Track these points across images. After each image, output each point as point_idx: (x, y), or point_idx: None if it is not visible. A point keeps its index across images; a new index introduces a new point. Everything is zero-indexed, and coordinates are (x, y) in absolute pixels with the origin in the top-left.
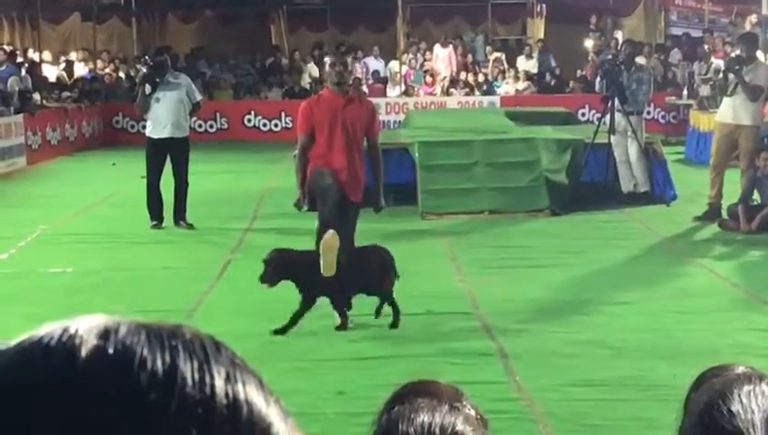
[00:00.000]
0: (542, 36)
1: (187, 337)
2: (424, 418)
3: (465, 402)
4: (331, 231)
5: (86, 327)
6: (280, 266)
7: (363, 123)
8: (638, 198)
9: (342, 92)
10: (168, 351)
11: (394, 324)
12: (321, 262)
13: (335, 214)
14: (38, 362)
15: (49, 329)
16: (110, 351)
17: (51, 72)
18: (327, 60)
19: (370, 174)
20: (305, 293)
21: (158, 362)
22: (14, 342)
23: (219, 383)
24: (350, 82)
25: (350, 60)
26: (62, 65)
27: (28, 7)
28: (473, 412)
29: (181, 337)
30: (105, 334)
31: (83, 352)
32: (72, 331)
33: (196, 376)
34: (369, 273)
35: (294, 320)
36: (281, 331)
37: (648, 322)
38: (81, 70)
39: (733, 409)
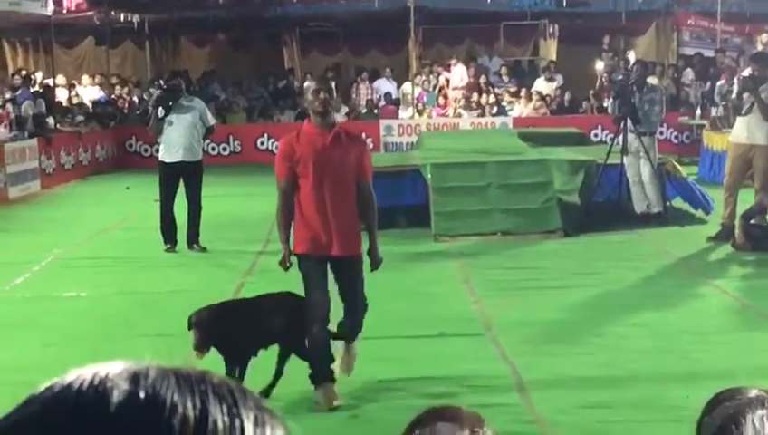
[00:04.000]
0: (554, 57)
1: (214, 382)
2: None
3: (485, 428)
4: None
5: (116, 372)
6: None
7: (355, 162)
8: (651, 219)
9: (327, 126)
10: (197, 395)
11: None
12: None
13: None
14: (70, 406)
15: (78, 373)
16: (142, 395)
17: (64, 97)
18: (308, 84)
19: (365, 222)
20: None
21: (189, 406)
22: (42, 386)
23: (249, 427)
24: (339, 110)
25: (357, 81)
26: (72, 90)
27: (42, 32)
28: None
29: (209, 382)
30: (135, 379)
31: (115, 397)
32: (103, 375)
33: (227, 420)
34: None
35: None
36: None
37: (663, 343)
38: (94, 94)
39: (745, 434)
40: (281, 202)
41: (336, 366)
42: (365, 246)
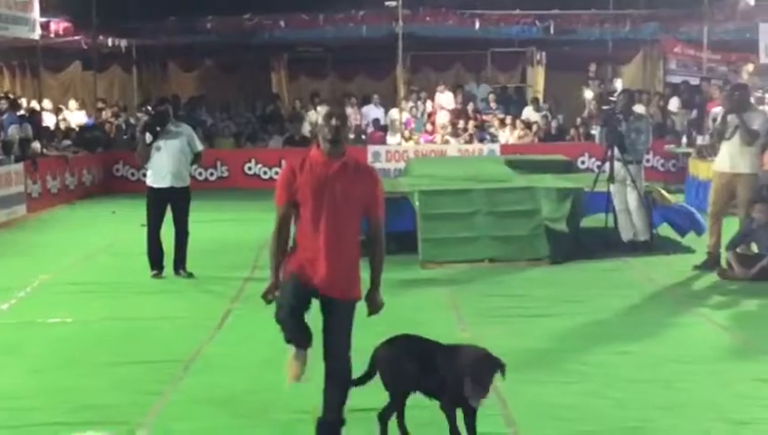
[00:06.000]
0: (541, 84)
1: None
2: None
3: None
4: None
5: None
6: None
7: (361, 196)
8: (637, 247)
9: (336, 154)
10: None
11: None
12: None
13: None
14: None
15: None
16: None
17: (51, 121)
18: (320, 109)
19: (370, 262)
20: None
21: None
22: None
23: None
24: (347, 138)
25: (345, 107)
26: (59, 114)
27: (29, 56)
28: None
29: None
30: None
31: None
32: None
33: None
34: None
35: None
36: None
37: (649, 372)
38: (81, 118)
39: None
40: (276, 230)
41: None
42: (364, 289)
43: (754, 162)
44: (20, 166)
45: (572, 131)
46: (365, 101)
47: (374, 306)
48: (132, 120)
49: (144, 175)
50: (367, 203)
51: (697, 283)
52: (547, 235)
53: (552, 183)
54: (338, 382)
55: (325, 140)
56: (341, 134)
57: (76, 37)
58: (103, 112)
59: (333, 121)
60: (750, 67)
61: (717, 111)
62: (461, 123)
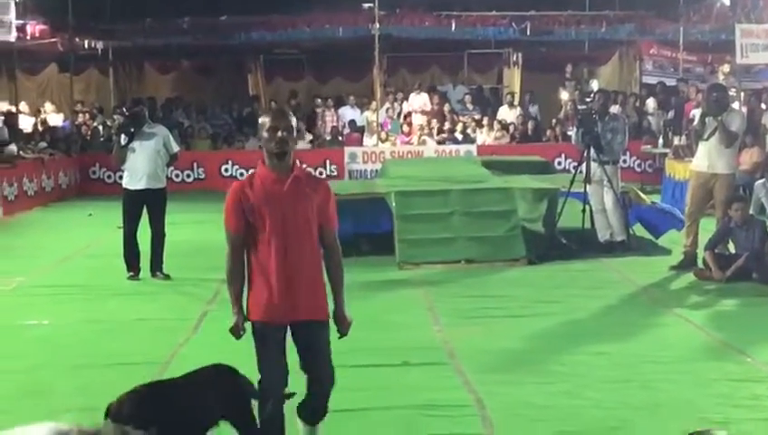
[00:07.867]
0: (518, 85)
1: None
2: None
3: None
4: None
5: None
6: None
7: (318, 210)
8: (614, 247)
9: (285, 169)
10: None
11: None
12: None
13: (280, 383)
14: None
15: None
16: None
17: (27, 123)
18: (263, 119)
19: (329, 279)
20: None
21: None
22: None
23: None
24: (303, 138)
25: (321, 109)
26: (37, 116)
27: (5, 58)
28: None
29: None
30: None
31: None
32: None
33: None
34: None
35: None
36: None
37: (626, 372)
38: (57, 120)
39: None
40: (232, 260)
41: None
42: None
43: (731, 162)
44: None
45: (549, 132)
46: (341, 102)
47: (344, 327)
48: (109, 122)
49: (120, 177)
50: (322, 216)
51: (674, 283)
52: (523, 235)
53: (528, 184)
54: (321, 401)
55: (272, 155)
56: (290, 146)
57: (52, 39)
58: (80, 115)
59: (280, 134)
60: (726, 68)
61: (697, 111)
62: (434, 123)
